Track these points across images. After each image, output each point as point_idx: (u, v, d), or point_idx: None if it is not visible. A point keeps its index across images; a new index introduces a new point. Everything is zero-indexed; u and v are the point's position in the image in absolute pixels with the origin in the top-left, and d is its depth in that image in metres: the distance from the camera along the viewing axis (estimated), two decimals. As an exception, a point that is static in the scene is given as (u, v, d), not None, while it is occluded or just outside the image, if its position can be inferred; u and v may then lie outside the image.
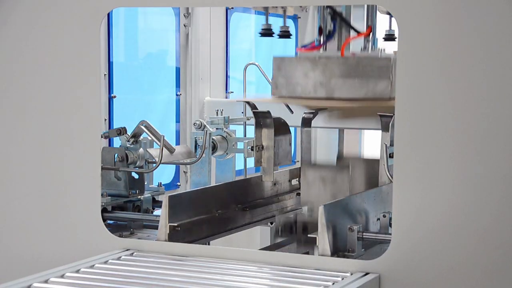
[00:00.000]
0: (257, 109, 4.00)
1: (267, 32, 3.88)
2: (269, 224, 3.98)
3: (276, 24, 6.35)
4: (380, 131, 3.62)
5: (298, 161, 5.17)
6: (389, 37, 4.34)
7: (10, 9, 3.36)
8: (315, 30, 5.83)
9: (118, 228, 3.85)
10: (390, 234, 2.99)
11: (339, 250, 3.11)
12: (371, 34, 3.61)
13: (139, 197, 3.98)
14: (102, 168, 3.53)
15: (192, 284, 2.77)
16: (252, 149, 3.97)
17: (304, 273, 2.92)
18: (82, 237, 3.32)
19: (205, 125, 4.41)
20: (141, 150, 3.99)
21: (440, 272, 2.84)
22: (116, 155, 3.92)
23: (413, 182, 2.85)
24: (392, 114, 3.41)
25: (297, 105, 3.83)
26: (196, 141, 4.35)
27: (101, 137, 3.64)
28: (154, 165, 3.96)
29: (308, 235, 3.38)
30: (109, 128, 4.79)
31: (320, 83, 3.55)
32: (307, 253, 3.65)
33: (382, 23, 5.66)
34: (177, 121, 5.47)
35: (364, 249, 3.20)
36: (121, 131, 3.98)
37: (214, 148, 4.43)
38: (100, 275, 2.88)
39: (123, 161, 3.91)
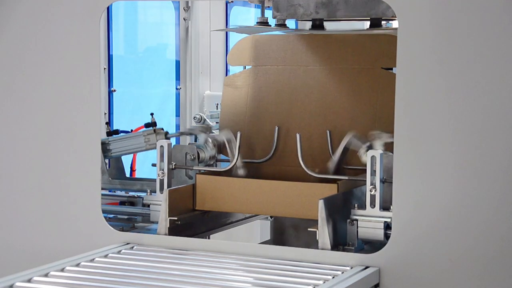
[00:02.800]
0: None
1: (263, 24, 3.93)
2: (269, 217, 3.97)
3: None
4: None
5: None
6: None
7: (11, 5, 3.36)
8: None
9: (118, 221, 3.85)
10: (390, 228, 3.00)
11: (339, 243, 3.11)
12: None
13: None
14: (175, 167, 3.50)
15: (192, 278, 2.77)
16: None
17: (304, 267, 2.92)
18: (83, 231, 3.32)
19: (205, 119, 4.39)
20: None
21: (439, 265, 2.84)
22: (188, 153, 3.80)
23: (412, 176, 2.85)
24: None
25: None
26: (196, 135, 4.33)
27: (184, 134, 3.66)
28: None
29: (308, 229, 3.38)
30: (109, 121, 4.79)
31: None
32: (307, 246, 3.64)
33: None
34: (177, 115, 5.48)
35: (364, 243, 3.20)
36: (207, 129, 3.90)
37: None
38: (100, 269, 2.88)
39: (195, 159, 3.82)
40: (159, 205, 3.27)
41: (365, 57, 3.52)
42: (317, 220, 3.05)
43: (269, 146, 3.63)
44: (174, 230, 3.27)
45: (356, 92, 3.52)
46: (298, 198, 3.25)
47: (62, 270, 2.86)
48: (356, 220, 3.07)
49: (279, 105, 3.65)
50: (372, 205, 3.04)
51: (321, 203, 3.02)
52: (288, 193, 3.28)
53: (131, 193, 4.16)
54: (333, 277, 2.79)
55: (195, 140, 4.21)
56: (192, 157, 3.76)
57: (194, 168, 3.67)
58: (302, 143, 3.42)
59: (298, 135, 3.31)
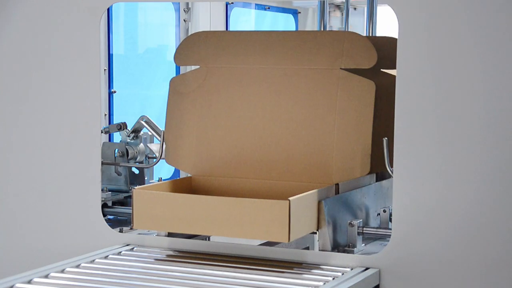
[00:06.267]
0: None
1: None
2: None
3: (276, 19, 6.36)
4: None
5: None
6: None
7: (11, 6, 3.36)
8: (315, 25, 5.83)
9: (118, 223, 3.85)
10: (390, 229, 3.00)
11: (339, 245, 3.11)
12: None
13: None
14: (103, 164, 3.52)
15: (192, 280, 2.77)
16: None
17: (304, 268, 2.92)
18: (83, 232, 3.32)
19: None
20: (141, 145, 3.99)
21: (440, 266, 2.84)
22: (116, 150, 3.92)
23: (413, 177, 2.85)
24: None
25: None
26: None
27: (101, 132, 3.63)
28: (154, 160, 3.96)
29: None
30: (109, 123, 4.80)
31: None
32: (307, 248, 3.65)
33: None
34: (177, 116, 5.47)
35: (364, 244, 3.20)
36: (122, 126, 3.99)
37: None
38: (101, 270, 2.88)
39: (124, 156, 3.92)
40: None
41: (323, 57, 3.20)
42: (266, 243, 3.02)
43: (221, 156, 3.32)
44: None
45: (312, 95, 3.21)
46: (244, 216, 2.91)
47: (63, 271, 2.86)
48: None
49: (230, 110, 3.32)
50: None
51: (322, 204, 3.02)
52: (231, 210, 2.93)
53: None
54: (333, 279, 2.79)
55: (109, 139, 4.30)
56: (121, 154, 3.84)
57: (121, 164, 3.68)
58: (257, 152, 3.23)
59: (384, 140, 3.04)
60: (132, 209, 3.05)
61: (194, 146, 3.35)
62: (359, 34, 3.21)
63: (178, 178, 3.48)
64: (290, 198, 2.85)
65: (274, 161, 3.25)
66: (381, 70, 3.33)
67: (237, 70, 3.32)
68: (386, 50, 3.24)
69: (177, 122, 3.38)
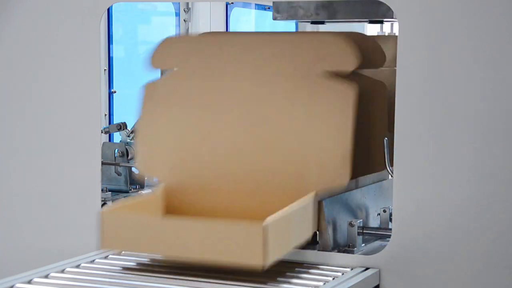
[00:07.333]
0: None
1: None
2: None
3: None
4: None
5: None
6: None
7: (11, 6, 3.36)
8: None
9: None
10: (390, 229, 3.00)
11: (339, 245, 3.11)
12: None
13: (140, 192, 3.99)
14: (103, 164, 3.51)
15: (193, 278, 2.76)
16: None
17: (304, 268, 2.92)
18: (83, 232, 3.32)
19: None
20: None
21: (440, 267, 2.84)
22: (116, 150, 3.93)
23: (413, 177, 2.85)
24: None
25: None
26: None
27: (101, 132, 3.64)
28: None
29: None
30: (109, 123, 4.80)
31: None
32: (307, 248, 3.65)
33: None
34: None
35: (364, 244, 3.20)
36: (122, 126, 3.99)
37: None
38: (101, 270, 2.88)
39: (124, 156, 3.93)
40: None
41: (301, 61, 3.01)
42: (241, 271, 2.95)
43: (196, 166, 3.11)
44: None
45: (290, 100, 3.01)
46: (217, 240, 2.69)
47: (63, 271, 2.86)
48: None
49: (203, 118, 3.11)
50: None
51: (322, 204, 3.02)
52: (204, 234, 2.70)
53: None
54: (333, 279, 2.79)
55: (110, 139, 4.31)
56: (121, 154, 3.84)
57: (121, 164, 3.69)
58: (233, 161, 3.04)
59: (385, 140, 2.97)
60: (101, 231, 2.85)
61: (168, 155, 3.15)
62: (340, 36, 3.04)
63: (152, 190, 3.24)
64: (264, 224, 2.61)
65: (252, 171, 3.06)
66: (364, 70, 3.20)
67: (211, 76, 3.13)
68: (367, 49, 3.13)
69: (150, 130, 3.18)
